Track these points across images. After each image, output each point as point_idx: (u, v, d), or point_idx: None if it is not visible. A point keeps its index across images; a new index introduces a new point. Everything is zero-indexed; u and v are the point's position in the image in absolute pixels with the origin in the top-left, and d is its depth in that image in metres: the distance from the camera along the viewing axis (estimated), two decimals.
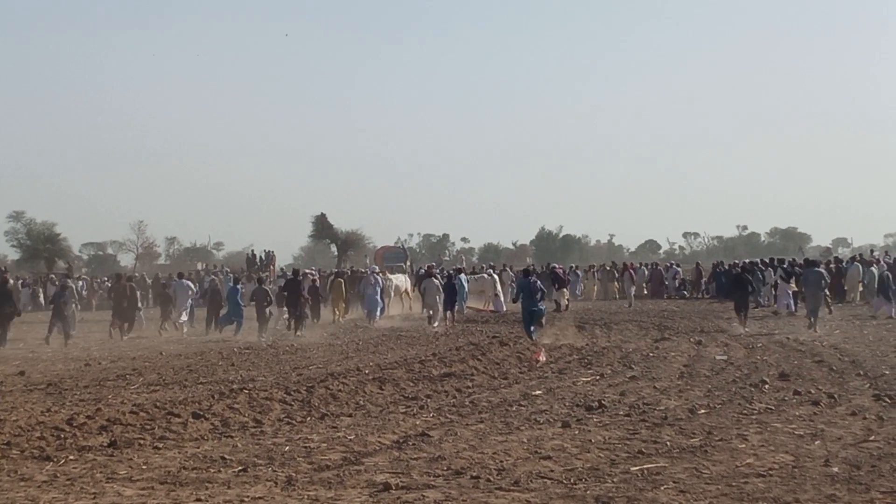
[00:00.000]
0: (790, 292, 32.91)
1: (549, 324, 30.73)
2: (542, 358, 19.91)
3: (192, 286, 33.07)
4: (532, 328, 24.80)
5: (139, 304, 32.13)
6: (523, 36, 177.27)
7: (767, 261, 42.90)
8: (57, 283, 39.65)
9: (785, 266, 36.42)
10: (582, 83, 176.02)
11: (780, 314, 32.31)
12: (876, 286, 31.14)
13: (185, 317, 31.98)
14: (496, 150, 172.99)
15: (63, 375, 18.98)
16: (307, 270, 43.03)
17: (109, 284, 36.45)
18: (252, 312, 29.52)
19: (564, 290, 40.03)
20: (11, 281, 33.82)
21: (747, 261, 44.43)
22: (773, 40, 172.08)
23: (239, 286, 31.74)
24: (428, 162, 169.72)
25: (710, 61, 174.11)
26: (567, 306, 38.76)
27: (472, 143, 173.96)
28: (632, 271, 43.49)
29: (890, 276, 30.93)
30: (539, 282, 26.91)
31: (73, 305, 30.25)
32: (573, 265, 46.29)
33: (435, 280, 33.53)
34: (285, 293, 31.03)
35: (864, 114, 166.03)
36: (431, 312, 32.82)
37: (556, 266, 44.36)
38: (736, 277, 29.51)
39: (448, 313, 32.75)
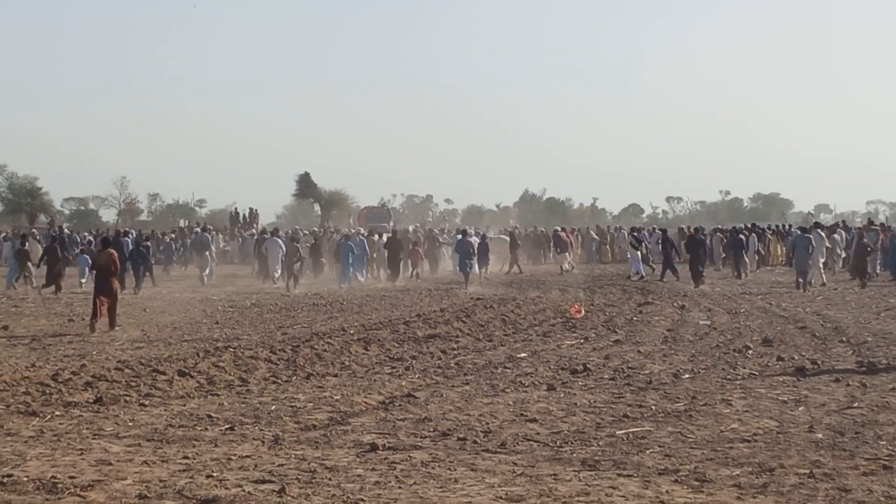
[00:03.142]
0: (639, 258, 35.76)
1: (535, 286, 30.86)
2: (581, 314, 20.94)
3: (282, 244, 33.97)
4: (468, 272, 32.35)
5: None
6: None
7: (750, 226, 43.28)
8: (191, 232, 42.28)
9: (635, 234, 39.05)
10: (566, 45, 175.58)
11: (632, 278, 34.19)
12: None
13: (278, 272, 33.51)
14: (481, 111, 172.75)
15: (46, 331, 18.93)
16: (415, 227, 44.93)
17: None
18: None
19: (567, 253, 40.28)
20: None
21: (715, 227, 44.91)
22: (759, 2, 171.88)
23: (351, 242, 33.95)
24: (412, 123, 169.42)
25: (694, 26, 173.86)
26: (570, 268, 39.62)
27: (457, 104, 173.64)
28: (570, 235, 43.13)
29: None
30: (476, 242, 34.31)
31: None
32: (558, 227, 46.26)
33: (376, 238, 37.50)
34: (387, 249, 35.19)
35: (847, 80, 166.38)
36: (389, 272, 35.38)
37: (559, 229, 44.30)
38: (690, 241, 32.41)
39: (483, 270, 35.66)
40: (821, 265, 29.85)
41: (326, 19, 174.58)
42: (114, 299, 19.37)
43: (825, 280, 29.55)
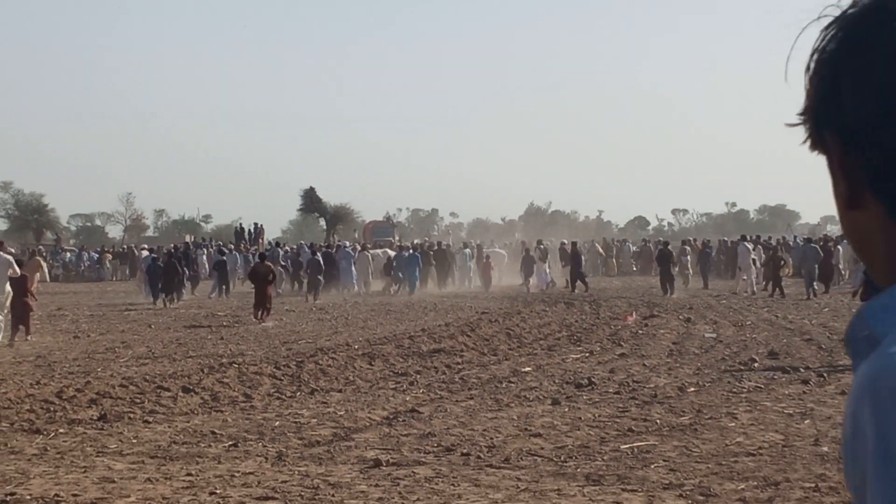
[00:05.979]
0: (546, 271, 38.25)
1: (540, 300, 30.82)
2: (632, 320, 22.42)
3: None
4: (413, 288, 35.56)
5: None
6: (515, 9, 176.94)
7: (755, 238, 43.42)
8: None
9: (541, 247, 40.68)
10: (571, 58, 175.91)
11: (544, 290, 36.96)
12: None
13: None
14: (486, 124, 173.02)
15: (52, 348, 18.92)
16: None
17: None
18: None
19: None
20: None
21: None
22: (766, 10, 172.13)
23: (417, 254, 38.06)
24: (418, 136, 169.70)
25: (698, 37, 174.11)
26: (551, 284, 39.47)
27: (463, 117, 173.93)
28: (539, 248, 42.87)
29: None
30: (419, 257, 37.29)
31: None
32: (564, 240, 46.32)
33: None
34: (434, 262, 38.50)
35: None
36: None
37: (564, 242, 44.69)
38: (660, 253, 34.08)
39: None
40: (753, 276, 33.03)
41: (330, 32, 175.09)
42: (269, 301, 24.67)
43: (755, 290, 32.45)
